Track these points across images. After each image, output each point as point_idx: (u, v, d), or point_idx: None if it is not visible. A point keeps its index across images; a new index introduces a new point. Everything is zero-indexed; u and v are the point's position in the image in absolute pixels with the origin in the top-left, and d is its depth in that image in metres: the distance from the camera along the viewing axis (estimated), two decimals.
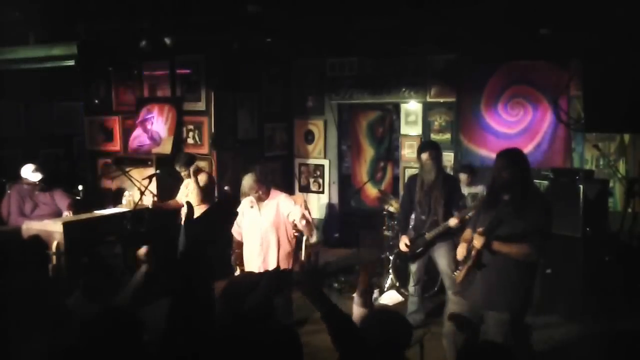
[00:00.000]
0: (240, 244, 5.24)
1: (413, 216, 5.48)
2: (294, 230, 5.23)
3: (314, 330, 4.46)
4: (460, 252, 3.80)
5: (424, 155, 5.20)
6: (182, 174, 6.28)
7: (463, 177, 6.36)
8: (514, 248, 3.57)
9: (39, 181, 6.27)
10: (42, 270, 5.31)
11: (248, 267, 5.17)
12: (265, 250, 5.05)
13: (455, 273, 3.88)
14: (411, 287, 5.55)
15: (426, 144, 5.68)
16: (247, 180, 5.01)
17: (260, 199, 5.04)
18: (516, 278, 3.61)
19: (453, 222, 4.98)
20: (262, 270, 5.07)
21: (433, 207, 5.20)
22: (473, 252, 3.67)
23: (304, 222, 5.00)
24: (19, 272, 3.72)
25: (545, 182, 5.80)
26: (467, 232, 3.93)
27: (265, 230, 5.03)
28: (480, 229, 3.67)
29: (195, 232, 4.53)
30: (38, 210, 6.27)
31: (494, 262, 3.63)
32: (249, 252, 5.12)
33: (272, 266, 5.05)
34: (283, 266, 5.08)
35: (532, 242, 3.54)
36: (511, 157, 3.73)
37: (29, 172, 6.25)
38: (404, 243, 5.31)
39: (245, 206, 5.17)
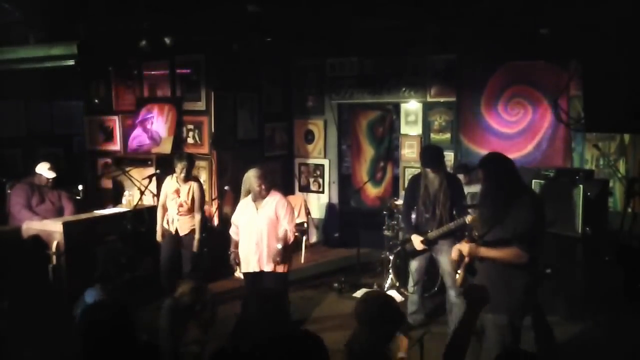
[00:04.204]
0: (238, 244, 5.23)
1: (413, 215, 5.46)
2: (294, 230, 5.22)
3: (312, 330, 4.45)
4: (454, 254, 3.79)
5: (428, 170, 5.20)
6: (182, 175, 5.82)
7: (460, 177, 6.33)
8: (501, 252, 3.55)
9: (52, 179, 6.37)
10: (42, 270, 5.34)
11: (245, 267, 5.18)
12: (260, 250, 5.04)
13: (457, 275, 3.87)
14: (411, 287, 5.54)
15: (427, 158, 5.29)
16: (251, 174, 5.03)
17: (260, 196, 5.02)
18: (511, 279, 3.60)
19: (469, 218, 4.86)
20: (257, 270, 5.09)
21: (438, 208, 5.20)
22: (466, 259, 3.68)
23: (282, 237, 5.04)
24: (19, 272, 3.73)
25: (545, 182, 5.80)
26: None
27: (261, 229, 5.02)
28: (466, 237, 3.68)
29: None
30: (43, 205, 6.35)
31: (488, 264, 3.62)
32: (246, 251, 5.12)
33: (267, 266, 5.05)
34: (278, 266, 5.08)
35: (521, 244, 3.51)
36: (485, 163, 3.76)
37: (45, 169, 6.39)
38: (418, 241, 5.23)
39: (243, 205, 5.16)
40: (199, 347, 3.17)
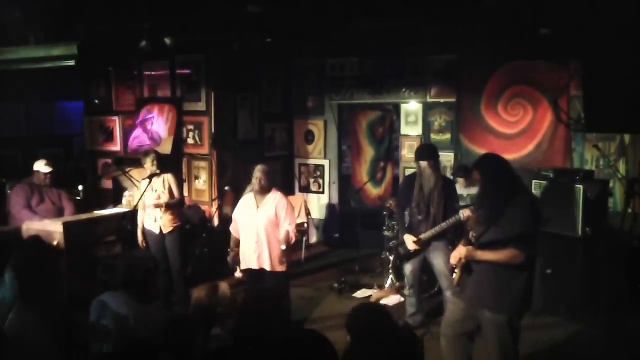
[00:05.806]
0: (238, 242, 5.24)
1: (407, 215, 5.42)
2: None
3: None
4: (452, 260, 3.78)
5: (423, 164, 5.18)
6: (154, 167, 5.87)
7: (460, 180, 6.32)
8: (498, 254, 3.55)
9: (49, 173, 6.34)
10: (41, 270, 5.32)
11: (244, 265, 5.19)
12: (260, 248, 5.05)
13: (453, 275, 3.87)
14: (407, 290, 5.54)
15: (425, 152, 5.32)
16: (256, 168, 5.08)
17: (261, 191, 5.04)
18: (510, 279, 3.59)
19: (463, 214, 4.77)
20: (257, 268, 5.09)
21: (432, 207, 5.19)
22: (462, 260, 3.68)
23: (284, 239, 5.03)
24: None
25: (545, 182, 5.80)
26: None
27: (261, 228, 5.03)
28: (463, 240, 3.69)
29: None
30: (43, 205, 6.33)
31: (486, 263, 3.62)
32: (245, 249, 5.14)
33: (266, 264, 5.06)
34: (277, 265, 5.09)
35: (517, 244, 3.50)
36: (480, 164, 3.76)
37: (41, 165, 6.38)
38: (411, 241, 5.21)
39: (244, 202, 5.17)
40: (215, 342, 3.15)
